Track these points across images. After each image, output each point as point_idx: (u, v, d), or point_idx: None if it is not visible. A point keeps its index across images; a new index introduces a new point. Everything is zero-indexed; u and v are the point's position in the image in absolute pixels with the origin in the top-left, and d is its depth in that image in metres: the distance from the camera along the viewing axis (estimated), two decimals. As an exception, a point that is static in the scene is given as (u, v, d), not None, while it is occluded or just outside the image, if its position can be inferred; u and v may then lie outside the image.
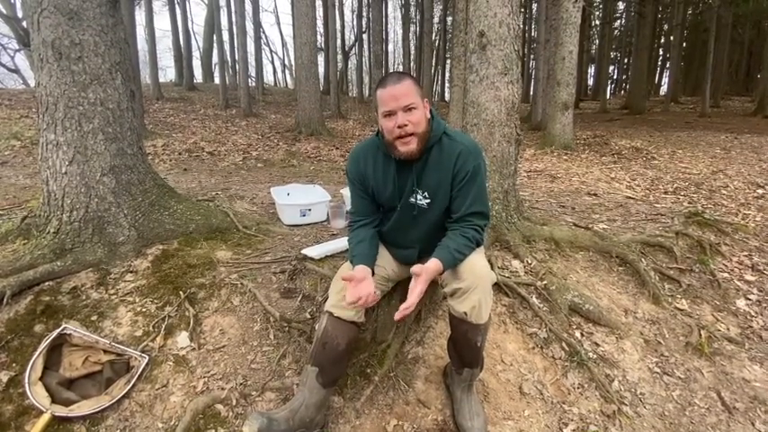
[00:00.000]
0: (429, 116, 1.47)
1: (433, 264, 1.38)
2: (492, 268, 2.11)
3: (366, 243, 1.55)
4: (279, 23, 44.36)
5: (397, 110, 1.38)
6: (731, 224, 2.96)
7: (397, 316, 1.30)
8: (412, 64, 20.50)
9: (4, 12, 9.88)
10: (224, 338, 1.79)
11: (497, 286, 2.09)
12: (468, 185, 1.46)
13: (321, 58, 17.70)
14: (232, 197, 3.26)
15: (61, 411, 1.44)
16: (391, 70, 19.20)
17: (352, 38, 22.87)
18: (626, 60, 27.27)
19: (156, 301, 1.90)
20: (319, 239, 2.49)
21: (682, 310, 2.18)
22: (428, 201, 1.51)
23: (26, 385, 1.49)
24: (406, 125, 1.38)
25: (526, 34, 20.61)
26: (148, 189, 2.27)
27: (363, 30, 20.10)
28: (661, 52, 24.86)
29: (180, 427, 1.44)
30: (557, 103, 7.20)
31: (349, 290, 1.36)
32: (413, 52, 21.53)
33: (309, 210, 2.80)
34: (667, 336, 2.03)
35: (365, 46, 21.82)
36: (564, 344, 1.90)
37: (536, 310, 2.03)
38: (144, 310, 1.86)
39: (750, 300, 2.27)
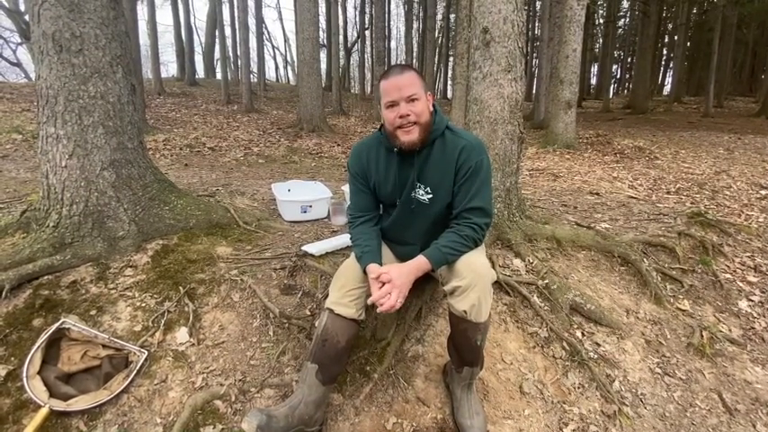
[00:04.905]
0: (432, 109, 1.46)
1: (418, 261, 1.40)
2: (493, 267, 2.10)
3: (372, 240, 1.54)
4: (281, 19, 44.42)
5: (400, 100, 1.38)
6: (734, 225, 2.95)
7: (380, 308, 1.33)
8: (414, 61, 20.45)
9: (7, 5, 9.87)
10: (223, 334, 1.78)
11: (498, 285, 2.08)
12: (470, 181, 1.44)
13: (323, 55, 17.67)
14: (233, 193, 3.25)
15: (59, 406, 1.44)
16: (393, 67, 19.11)
17: (355, 34, 22.80)
18: (629, 59, 27.15)
19: (155, 296, 1.89)
20: (320, 236, 2.48)
21: (683, 310, 2.16)
22: (430, 196, 1.50)
23: (24, 379, 1.48)
24: (408, 115, 1.38)
25: (529, 32, 20.53)
26: (149, 184, 2.26)
27: (366, 26, 20.02)
28: (665, 52, 24.76)
29: (178, 422, 1.44)
30: (560, 101, 7.16)
31: (376, 286, 1.36)
32: (415, 49, 21.47)
33: (310, 206, 2.79)
34: (669, 336, 2.02)
35: (367, 42, 21.75)
36: (565, 343, 1.89)
37: (537, 309, 2.02)
38: (143, 305, 1.85)
39: (752, 301, 2.26)
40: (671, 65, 22.96)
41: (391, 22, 23.91)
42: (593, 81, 27.38)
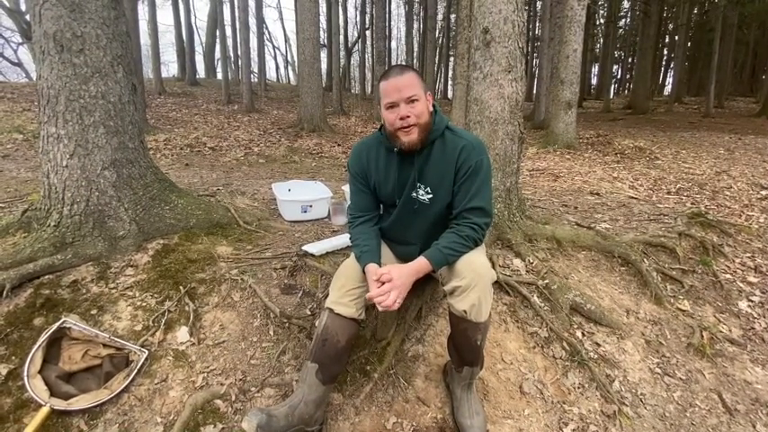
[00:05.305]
0: (432, 110, 1.47)
1: (419, 262, 1.40)
2: (493, 267, 2.10)
3: (372, 239, 1.55)
4: (282, 19, 44.61)
5: (400, 101, 1.38)
6: (734, 225, 2.95)
7: (378, 305, 1.33)
8: (415, 61, 20.45)
9: (8, 5, 9.88)
10: (224, 334, 1.79)
11: (498, 285, 2.08)
12: (470, 181, 1.45)
13: (324, 55, 17.67)
14: (233, 192, 3.25)
15: (60, 405, 1.44)
16: (394, 67, 19.10)
17: (355, 34, 22.80)
18: (630, 60, 27.13)
19: (156, 295, 1.90)
20: (320, 236, 2.48)
21: (684, 310, 2.17)
22: (430, 196, 1.50)
23: (25, 378, 1.48)
24: (408, 116, 1.38)
25: (530, 32, 20.52)
26: (149, 183, 2.26)
27: (366, 26, 20.03)
28: (665, 52, 24.72)
29: (178, 422, 1.44)
30: (560, 101, 7.16)
31: (375, 287, 1.36)
32: (416, 49, 21.47)
33: (310, 206, 2.79)
34: (669, 336, 2.02)
35: (368, 42, 21.77)
36: (565, 343, 1.89)
37: (537, 309, 2.02)
38: (144, 304, 1.85)
39: (752, 301, 2.26)
40: (672, 65, 22.95)
41: (392, 22, 23.93)
42: (594, 81, 27.36)
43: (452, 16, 18.86)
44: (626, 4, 21.49)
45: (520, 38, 2.38)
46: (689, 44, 20.27)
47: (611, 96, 21.88)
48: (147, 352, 1.65)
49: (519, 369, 1.78)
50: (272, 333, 1.81)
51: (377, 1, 13.16)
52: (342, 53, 19.43)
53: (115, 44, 2.08)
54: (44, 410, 1.41)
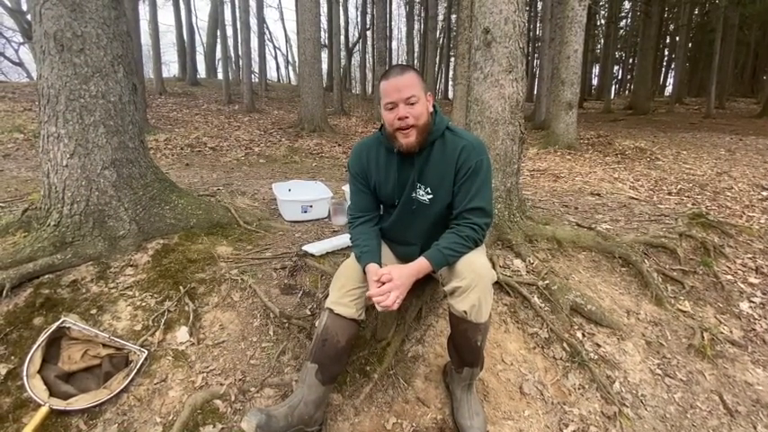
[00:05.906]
0: (432, 110, 1.47)
1: (419, 263, 1.40)
2: (493, 267, 2.10)
3: (372, 240, 1.54)
4: (283, 19, 44.56)
5: (399, 102, 1.38)
6: (735, 226, 2.94)
7: (377, 305, 1.34)
8: (416, 61, 20.46)
9: (9, 4, 9.89)
10: (223, 334, 1.78)
11: (499, 285, 2.08)
12: (470, 181, 1.44)
13: (324, 55, 17.67)
14: (233, 192, 3.25)
15: (59, 405, 1.44)
16: (395, 67, 19.10)
17: (356, 34, 22.82)
18: (631, 60, 27.13)
19: (155, 295, 1.89)
20: (320, 236, 2.48)
21: (684, 311, 2.16)
22: (430, 196, 1.50)
23: (24, 378, 1.48)
24: (406, 117, 1.38)
25: (531, 32, 20.52)
26: (150, 183, 2.26)
27: (367, 26, 20.04)
28: (666, 52, 24.72)
29: (178, 422, 1.44)
30: (561, 102, 7.15)
31: (375, 287, 1.36)
32: (417, 49, 21.49)
33: (311, 206, 2.79)
34: (669, 337, 2.01)
35: (369, 43, 21.77)
36: (565, 344, 1.89)
37: (537, 309, 2.01)
38: (143, 304, 1.85)
39: (754, 302, 2.26)
40: (672, 66, 22.95)
41: (393, 23, 23.96)
42: (595, 82, 27.37)
43: (453, 17, 18.87)
44: (627, 5, 21.48)
45: (521, 38, 2.38)
46: (690, 45, 20.26)
47: (612, 97, 21.88)
48: (146, 352, 1.64)
49: (519, 370, 1.78)
50: (271, 333, 1.80)
51: (378, 1, 13.17)
52: (342, 53, 19.43)
53: (116, 44, 2.08)
54: (43, 410, 1.41)
